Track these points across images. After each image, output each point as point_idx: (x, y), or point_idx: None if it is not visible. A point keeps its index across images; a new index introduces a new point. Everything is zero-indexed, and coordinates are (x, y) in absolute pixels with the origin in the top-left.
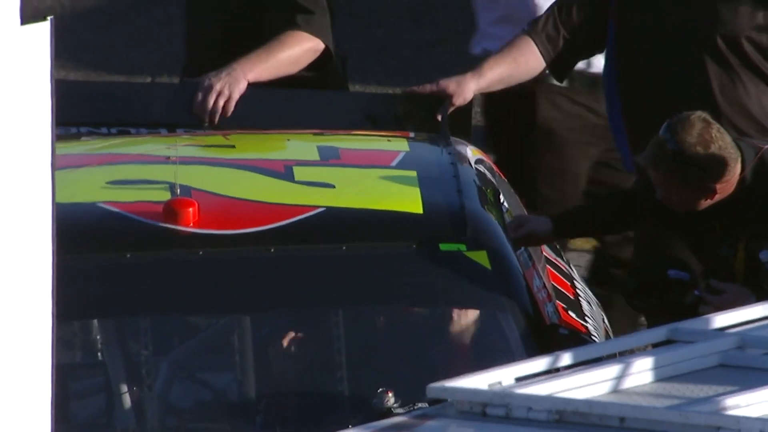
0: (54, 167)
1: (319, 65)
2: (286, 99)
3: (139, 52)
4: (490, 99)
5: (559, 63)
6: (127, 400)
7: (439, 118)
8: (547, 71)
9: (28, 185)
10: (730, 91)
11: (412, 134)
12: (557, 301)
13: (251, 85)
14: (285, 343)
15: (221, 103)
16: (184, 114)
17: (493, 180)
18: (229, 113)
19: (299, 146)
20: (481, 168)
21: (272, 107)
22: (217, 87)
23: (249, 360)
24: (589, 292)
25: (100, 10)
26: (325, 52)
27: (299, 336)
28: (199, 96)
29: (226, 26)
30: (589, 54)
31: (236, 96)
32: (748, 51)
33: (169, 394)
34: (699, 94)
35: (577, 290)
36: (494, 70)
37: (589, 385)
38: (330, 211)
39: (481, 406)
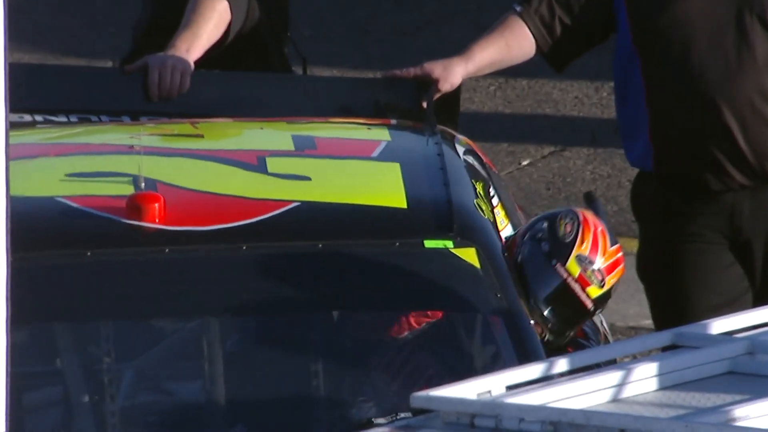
0: (8, 158)
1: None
2: (255, 84)
3: (100, 34)
4: None
5: (556, 51)
6: (87, 412)
7: (424, 104)
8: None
9: None
10: None
11: (394, 122)
12: None
13: (212, 69)
14: (258, 348)
15: (177, 78)
16: (149, 100)
17: (482, 171)
18: (186, 87)
19: (272, 135)
20: (470, 159)
21: (241, 93)
22: (170, 62)
23: (219, 367)
24: None
25: None
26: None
27: (273, 341)
28: (155, 74)
29: (168, 12)
30: (590, 43)
31: (189, 71)
32: None
33: (133, 406)
34: (746, 76)
35: None
36: (484, 53)
37: (586, 393)
38: (306, 205)
39: (469, 417)
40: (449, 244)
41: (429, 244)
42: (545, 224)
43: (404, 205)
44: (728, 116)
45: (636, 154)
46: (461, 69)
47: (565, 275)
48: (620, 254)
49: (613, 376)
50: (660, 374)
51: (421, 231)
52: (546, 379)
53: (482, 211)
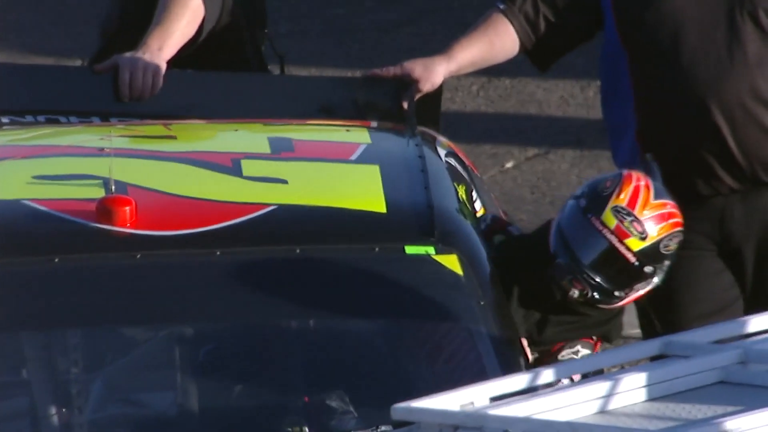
0: None
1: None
2: (230, 84)
3: (69, 33)
4: None
5: (541, 49)
6: (54, 424)
7: (405, 105)
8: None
9: None
10: None
11: (373, 124)
12: None
13: (186, 69)
14: (233, 358)
15: (149, 77)
16: (119, 101)
17: (464, 175)
18: (158, 87)
19: (248, 137)
20: (452, 161)
21: (215, 94)
22: (141, 61)
23: (192, 378)
24: None
25: None
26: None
27: (248, 350)
28: (126, 73)
29: (139, 8)
30: (575, 41)
31: (162, 70)
32: None
33: (102, 418)
34: (737, 75)
35: None
36: (466, 52)
37: (572, 405)
38: (282, 209)
39: (451, 429)
40: (430, 250)
41: (409, 249)
42: (587, 184)
43: (384, 210)
44: (718, 117)
45: (623, 156)
46: (443, 68)
47: (600, 227)
48: (668, 209)
49: (600, 387)
50: (649, 385)
51: (401, 236)
52: (531, 390)
53: (464, 215)
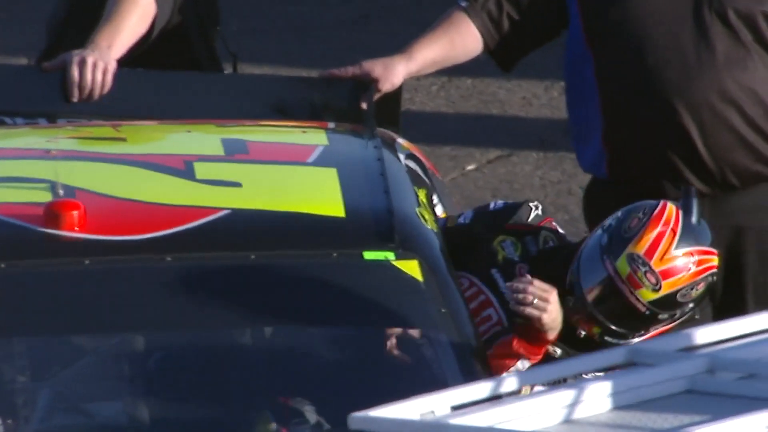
0: None
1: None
2: (183, 83)
3: (14, 31)
4: None
5: (504, 49)
6: None
7: (364, 106)
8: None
9: None
10: (739, 73)
11: (331, 125)
12: None
13: (136, 67)
14: (184, 367)
15: (99, 76)
16: (67, 101)
17: (425, 178)
18: (108, 86)
19: (201, 139)
20: (412, 164)
21: (167, 93)
22: (90, 59)
23: (142, 387)
24: None
25: None
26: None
27: (200, 359)
28: (75, 72)
29: (87, 4)
30: (540, 40)
31: (112, 68)
32: (763, 28)
33: (49, 428)
34: (705, 75)
35: None
36: (427, 51)
37: (536, 414)
38: (236, 213)
39: None
40: (390, 255)
41: (368, 255)
42: (620, 214)
43: (342, 214)
44: (686, 119)
45: (588, 159)
46: (402, 68)
47: (612, 272)
48: (692, 258)
49: (564, 396)
50: (614, 393)
51: (360, 241)
52: (493, 399)
53: (425, 220)
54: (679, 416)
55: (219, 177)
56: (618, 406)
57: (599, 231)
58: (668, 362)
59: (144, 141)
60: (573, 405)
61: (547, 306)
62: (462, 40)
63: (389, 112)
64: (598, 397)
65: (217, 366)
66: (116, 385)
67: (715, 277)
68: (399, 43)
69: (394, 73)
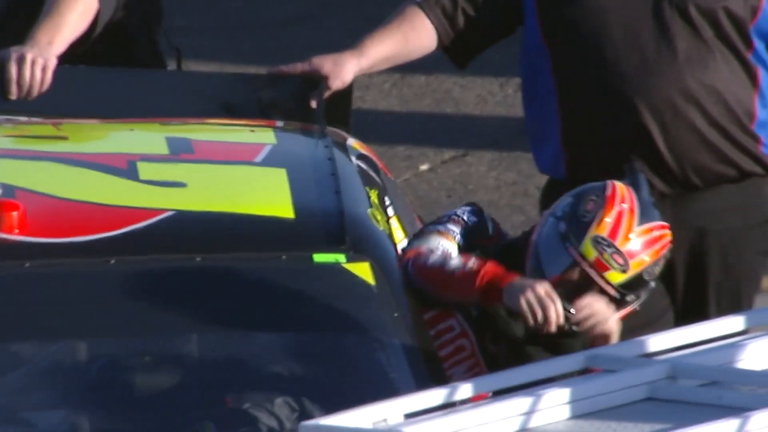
0: None
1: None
2: (125, 80)
3: None
4: None
5: (459, 45)
6: None
7: (313, 104)
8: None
9: None
10: (701, 71)
11: (279, 124)
12: None
13: (77, 64)
14: (126, 373)
15: (38, 73)
16: (5, 98)
17: (377, 178)
18: (48, 84)
19: (144, 138)
20: (363, 164)
21: (109, 91)
22: (29, 56)
23: (84, 396)
24: None
25: None
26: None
27: (144, 365)
28: (13, 68)
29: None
30: (496, 36)
31: (52, 65)
32: (725, 24)
33: None
34: (666, 73)
35: None
36: (379, 47)
37: (492, 422)
38: (181, 215)
39: None
40: (341, 257)
41: (318, 258)
42: (570, 200)
43: (291, 215)
44: (647, 118)
45: (546, 160)
46: (353, 64)
47: (578, 258)
48: (653, 234)
49: (521, 403)
50: (573, 401)
51: (309, 243)
52: (448, 406)
53: (377, 221)
54: (639, 424)
55: (163, 177)
56: (576, 414)
57: (551, 219)
58: (628, 368)
59: (86, 140)
60: (529, 413)
61: (596, 316)
62: (416, 35)
63: (340, 111)
64: (555, 404)
65: (162, 373)
66: (57, 394)
67: (670, 252)
68: (352, 40)
69: (344, 69)
